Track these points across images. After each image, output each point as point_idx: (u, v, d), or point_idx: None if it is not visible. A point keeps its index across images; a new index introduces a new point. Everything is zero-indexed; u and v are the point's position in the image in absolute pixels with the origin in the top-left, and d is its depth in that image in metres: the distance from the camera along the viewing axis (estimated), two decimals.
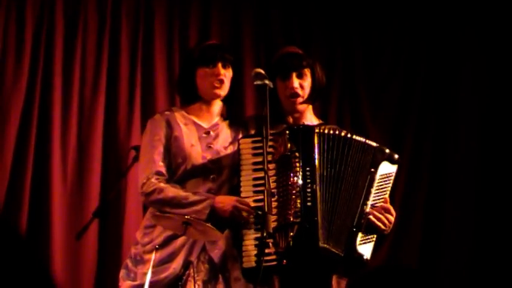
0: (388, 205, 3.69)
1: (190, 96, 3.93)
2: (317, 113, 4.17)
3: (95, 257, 4.82)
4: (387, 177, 3.71)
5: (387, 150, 3.74)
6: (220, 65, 3.85)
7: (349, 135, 3.71)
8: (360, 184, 3.65)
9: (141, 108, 4.99)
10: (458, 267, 5.30)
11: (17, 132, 4.79)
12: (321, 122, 4.00)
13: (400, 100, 5.52)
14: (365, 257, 3.61)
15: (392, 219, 3.68)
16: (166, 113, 3.92)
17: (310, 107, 3.96)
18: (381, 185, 3.69)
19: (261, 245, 3.37)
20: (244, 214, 3.60)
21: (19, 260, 4.71)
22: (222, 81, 3.84)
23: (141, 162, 3.84)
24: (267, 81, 3.59)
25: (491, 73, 5.47)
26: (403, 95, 5.52)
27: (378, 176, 3.68)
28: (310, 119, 3.94)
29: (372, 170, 3.68)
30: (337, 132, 3.70)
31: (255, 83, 3.61)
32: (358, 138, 3.72)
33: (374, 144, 3.73)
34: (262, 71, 3.62)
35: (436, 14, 5.57)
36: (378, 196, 3.68)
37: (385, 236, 3.74)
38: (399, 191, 5.35)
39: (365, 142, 3.72)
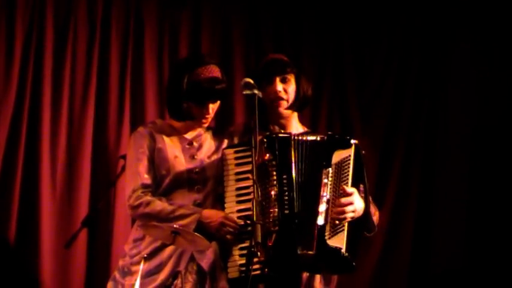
0: (347, 191, 3.65)
1: (179, 114, 3.90)
2: (306, 122, 4.17)
3: (83, 266, 4.81)
4: (343, 163, 3.69)
5: (336, 137, 3.77)
6: (210, 105, 3.84)
7: (312, 138, 3.72)
8: (317, 181, 3.65)
9: (131, 118, 4.98)
10: (449, 271, 5.32)
11: (6, 141, 4.77)
12: (307, 130, 4.01)
13: (392, 109, 5.53)
14: (342, 250, 3.57)
15: (351, 208, 3.62)
16: (149, 125, 3.93)
17: (296, 114, 3.97)
18: (338, 174, 3.67)
19: (249, 254, 3.38)
20: (230, 230, 3.62)
21: (8, 269, 4.70)
22: (209, 117, 3.86)
23: (127, 175, 3.85)
24: (256, 91, 3.60)
25: (481, 80, 5.48)
26: (395, 103, 5.53)
27: (332, 167, 3.66)
28: (296, 127, 3.95)
29: (324, 163, 3.67)
30: (313, 138, 3.73)
31: (244, 92, 3.62)
32: (307, 138, 3.73)
33: (319, 138, 3.74)
34: (251, 81, 3.64)
35: (427, 23, 5.58)
36: (337, 184, 3.66)
37: (361, 221, 3.70)
38: (389, 201, 5.38)
39: (315, 140, 3.73)
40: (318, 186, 3.65)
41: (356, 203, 3.66)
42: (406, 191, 5.45)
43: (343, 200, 3.64)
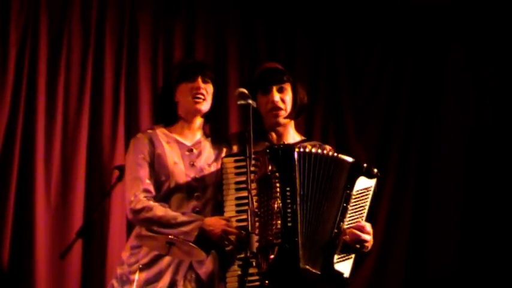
0: (364, 224, 3.65)
1: (170, 117, 3.92)
2: (301, 129, 4.17)
3: (79, 276, 4.79)
4: (365, 192, 3.68)
5: (364, 165, 3.71)
6: (200, 79, 3.86)
7: (326, 152, 3.69)
8: (336, 202, 3.62)
9: (125, 128, 4.97)
10: (445, 279, 5.32)
11: (0, 151, 4.76)
12: (303, 138, 3.99)
13: (385, 116, 5.53)
14: (344, 275, 3.59)
15: (368, 238, 3.64)
16: (149, 131, 3.92)
17: (292, 122, 3.95)
18: (358, 201, 3.66)
19: (244, 264, 3.37)
20: (233, 238, 3.61)
21: (3, 280, 4.68)
22: (202, 95, 3.85)
23: (127, 180, 3.83)
24: (250, 101, 3.59)
25: (476, 86, 5.50)
26: (388, 110, 5.53)
27: (354, 192, 3.65)
28: (292, 135, 3.94)
29: (348, 186, 3.65)
30: (318, 150, 3.69)
31: (239, 102, 3.62)
32: (334, 154, 3.69)
33: (350, 159, 3.70)
34: (245, 91, 3.63)
35: (421, 30, 5.59)
36: (355, 212, 3.65)
37: (366, 254, 3.70)
38: (384, 206, 5.37)
39: (340, 158, 3.69)
40: (336, 206, 3.62)
41: (368, 238, 3.65)
42: (401, 198, 5.45)
43: (368, 228, 3.63)
